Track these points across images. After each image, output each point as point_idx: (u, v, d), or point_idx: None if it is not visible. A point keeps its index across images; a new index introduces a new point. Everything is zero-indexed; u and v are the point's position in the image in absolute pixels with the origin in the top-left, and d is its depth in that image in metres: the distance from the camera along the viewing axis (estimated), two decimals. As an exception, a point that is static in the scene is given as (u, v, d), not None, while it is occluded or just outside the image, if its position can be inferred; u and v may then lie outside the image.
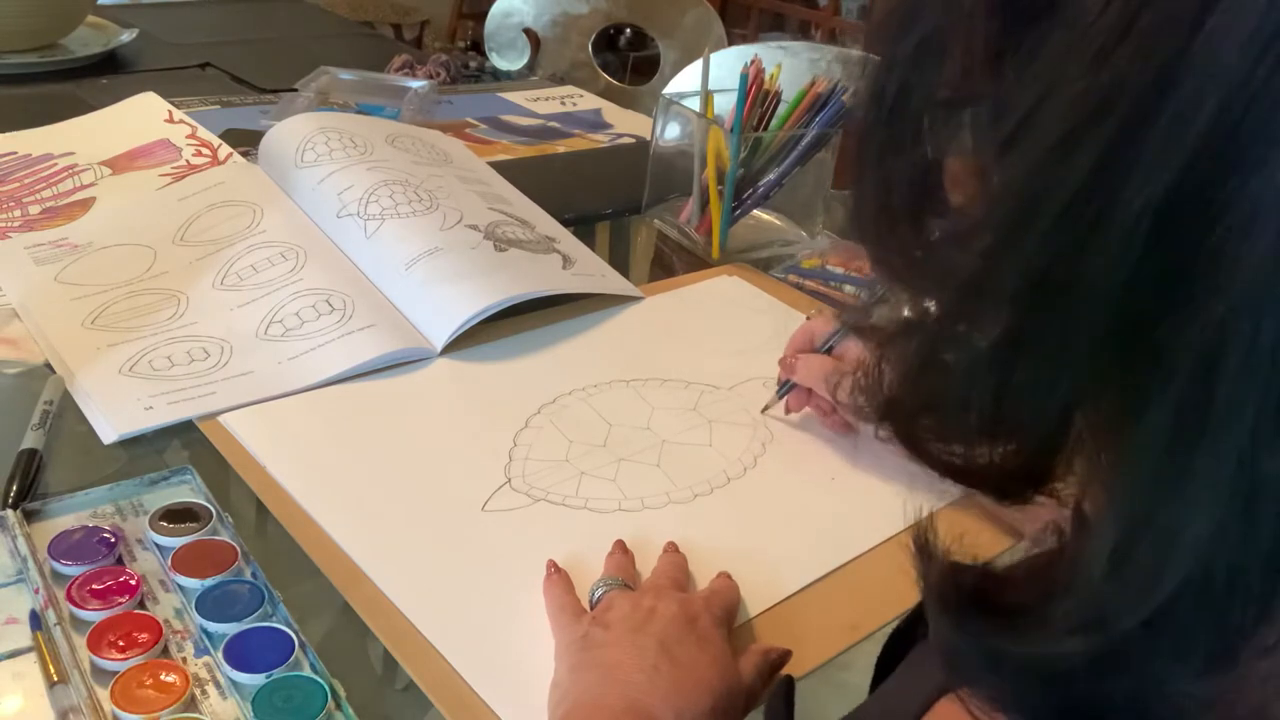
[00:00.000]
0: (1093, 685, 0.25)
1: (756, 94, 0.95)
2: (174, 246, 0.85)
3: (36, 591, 0.51)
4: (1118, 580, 0.24)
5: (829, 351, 0.69)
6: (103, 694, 0.46)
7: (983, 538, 0.63)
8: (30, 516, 0.56)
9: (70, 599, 0.51)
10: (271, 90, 1.27)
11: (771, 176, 0.97)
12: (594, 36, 1.65)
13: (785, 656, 0.51)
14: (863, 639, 0.55)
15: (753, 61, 0.95)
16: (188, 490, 0.60)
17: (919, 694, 0.34)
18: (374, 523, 0.59)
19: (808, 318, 0.86)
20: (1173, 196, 0.21)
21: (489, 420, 0.69)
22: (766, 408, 0.73)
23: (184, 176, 0.96)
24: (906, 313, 0.29)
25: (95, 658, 0.48)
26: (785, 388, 0.72)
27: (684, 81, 1.38)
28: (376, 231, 0.83)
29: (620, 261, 0.95)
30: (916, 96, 0.27)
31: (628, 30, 3.17)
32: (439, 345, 0.75)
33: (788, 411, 0.73)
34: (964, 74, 0.26)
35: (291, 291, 0.78)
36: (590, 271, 0.87)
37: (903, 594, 0.58)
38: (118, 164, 0.99)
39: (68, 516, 0.57)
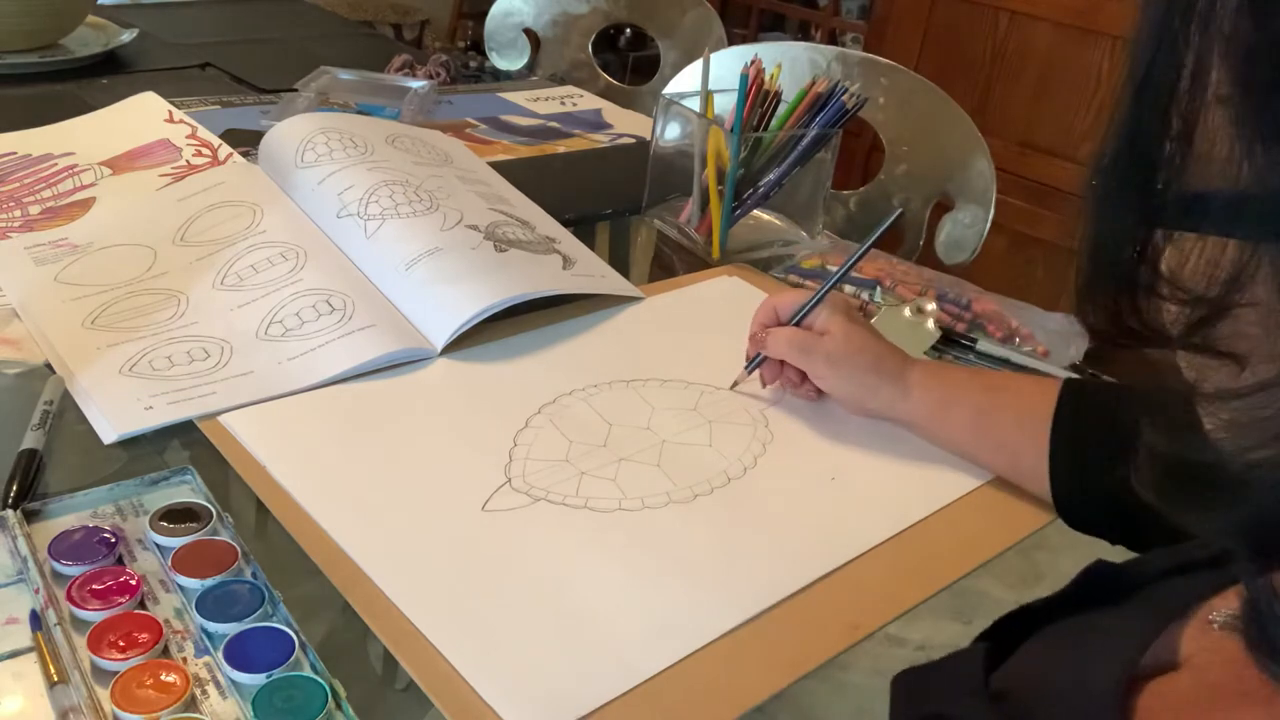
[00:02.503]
0: None
1: (756, 94, 0.95)
2: (174, 246, 0.85)
3: (37, 591, 0.51)
4: None
5: (797, 324, 0.72)
6: (103, 694, 0.46)
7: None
8: (30, 516, 0.56)
9: (70, 599, 0.51)
10: (271, 90, 1.27)
11: (771, 176, 0.97)
12: (594, 36, 1.65)
13: None
14: (863, 639, 0.55)
15: (753, 61, 0.95)
16: (188, 490, 0.60)
17: (1103, 672, 0.35)
18: (374, 523, 0.59)
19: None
20: None
21: (489, 420, 0.69)
22: (736, 383, 0.76)
23: (184, 176, 0.96)
24: None
25: (95, 658, 0.48)
26: (755, 362, 0.74)
27: (684, 81, 1.38)
28: (377, 231, 0.83)
29: (620, 261, 0.95)
30: None
31: (628, 30, 3.17)
32: (439, 345, 0.75)
33: (764, 385, 0.75)
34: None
35: (292, 291, 0.78)
36: (590, 272, 0.87)
37: (903, 594, 0.58)
38: (118, 164, 0.99)
39: (68, 516, 0.57)
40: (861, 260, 0.75)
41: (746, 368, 0.75)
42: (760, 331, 0.73)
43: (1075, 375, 0.80)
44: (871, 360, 0.69)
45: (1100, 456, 0.61)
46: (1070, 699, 0.36)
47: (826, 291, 0.72)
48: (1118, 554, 0.63)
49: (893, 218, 0.74)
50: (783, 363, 0.73)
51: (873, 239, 0.74)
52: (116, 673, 0.47)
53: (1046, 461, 0.63)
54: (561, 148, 1.21)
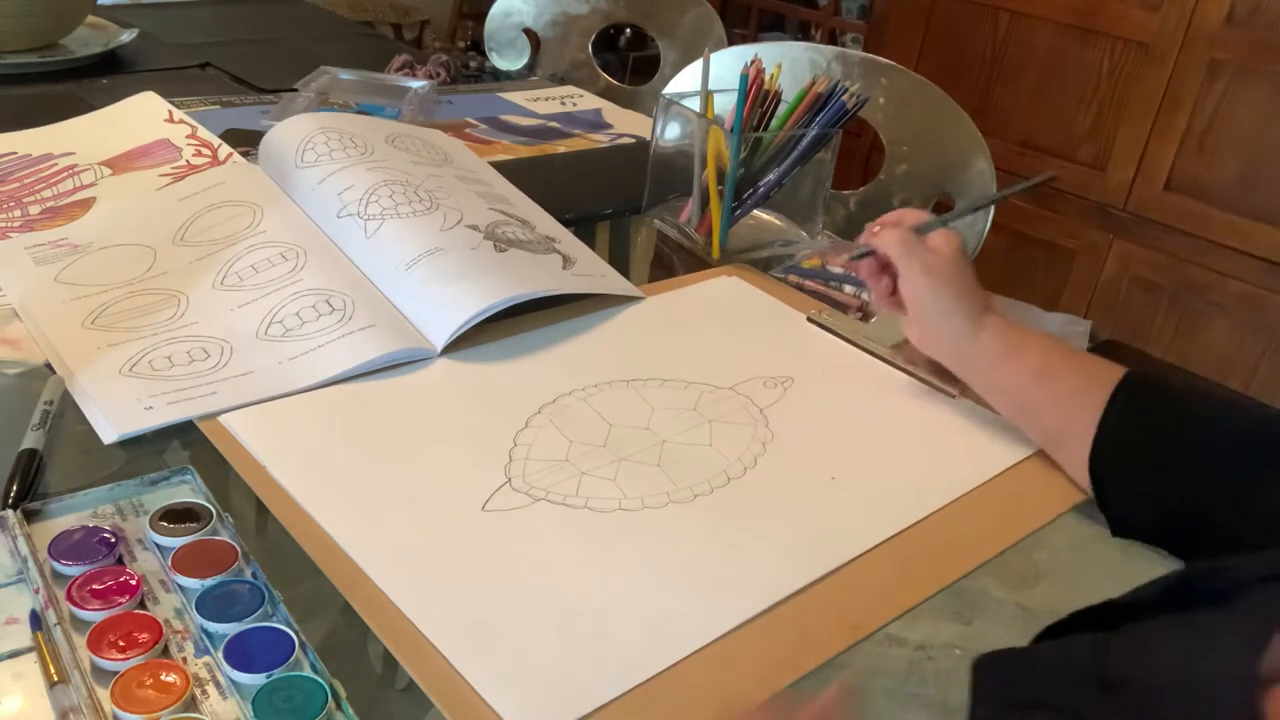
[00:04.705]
0: None
1: (756, 94, 0.95)
2: (174, 246, 0.85)
3: (37, 591, 0.51)
4: None
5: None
6: (103, 694, 0.46)
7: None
8: (30, 516, 0.56)
9: (70, 599, 0.51)
10: (271, 90, 1.27)
11: (771, 176, 0.97)
12: (594, 36, 1.65)
13: None
14: (863, 639, 0.55)
15: (753, 61, 0.95)
16: (188, 490, 0.60)
17: (1228, 670, 0.36)
18: (374, 523, 0.59)
19: (808, 318, 0.86)
20: None
21: (489, 420, 0.69)
22: (829, 262, 0.81)
23: (184, 176, 0.96)
24: None
25: (95, 658, 0.48)
26: (861, 253, 0.76)
27: (684, 81, 1.38)
28: (377, 231, 0.83)
29: (620, 261, 0.95)
30: None
31: (628, 30, 3.17)
32: (439, 345, 0.75)
33: (861, 275, 0.77)
34: None
35: (292, 291, 0.78)
36: (590, 271, 0.87)
37: (903, 594, 0.58)
38: (118, 164, 0.99)
39: (68, 516, 0.57)
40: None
41: (851, 256, 0.77)
42: (879, 227, 0.75)
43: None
44: (960, 289, 0.71)
45: (1145, 442, 0.62)
46: (1200, 694, 0.36)
47: (955, 217, 0.74)
48: (1120, 553, 0.63)
49: (1045, 177, 0.78)
50: (883, 271, 0.75)
51: (1021, 188, 0.78)
52: (116, 673, 0.47)
53: (1093, 432, 0.63)
54: (561, 148, 1.21)
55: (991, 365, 0.70)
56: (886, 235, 0.73)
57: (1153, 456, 0.62)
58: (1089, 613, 0.45)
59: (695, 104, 0.98)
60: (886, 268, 0.75)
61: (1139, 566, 0.62)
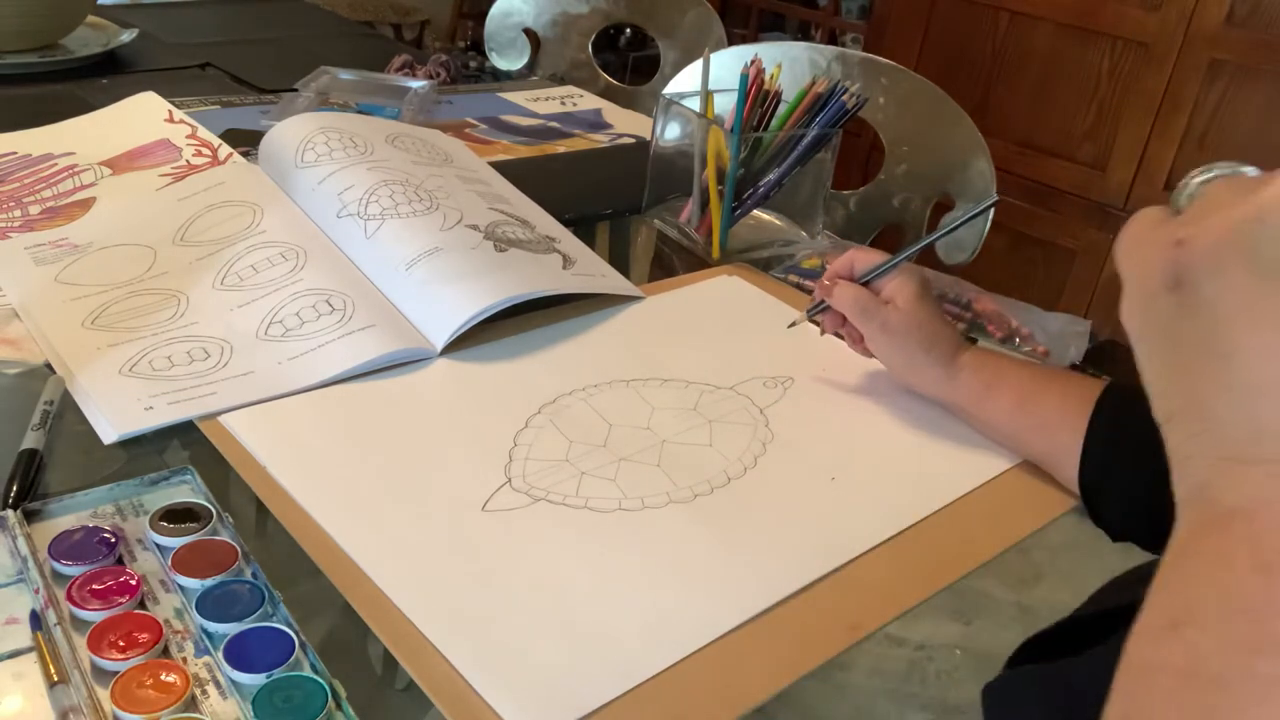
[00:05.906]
0: None
1: (756, 94, 0.95)
2: (174, 246, 0.85)
3: (37, 591, 0.51)
4: None
5: (867, 284, 0.73)
6: (103, 694, 0.46)
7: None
8: (30, 516, 0.57)
9: (70, 599, 0.51)
10: (271, 90, 1.27)
11: (771, 176, 0.97)
12: (594, 36, 1.65)
13: None
14: (863, 639, 0.55)
15: (753, 61, 0.95)
16: (188, 490, 0.60)
17: None
18: (374, 523, 0.59)
19: (808, 318, 0.86)
20: None
21: (489, 420, 0.69)
22: (794, 324, 0.79)
23: (184, 176, 0.96)
24: None
25: (95, 658, 0.48)
26: (817, 307, 0.76)
27: (684, 81, 1.38)
28: (376, 231, 0.83)
29: (620, 261, 0.95)
30: None
31: (628, 30, 3.17)
32: (439, 345, 0.75)
33: (822, 333, 0.78)
34: None
35: (291, 292, 0.78)
36: (590, 271, 0.87)
37: (903, 594, 0.58)
38: (118, 164, 0.99)
39: (68, 516, 0.57)
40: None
41: (808, 311, 0.78)
42: (830, 280, 0.75)
43: None
44: (926, 339, 0.71)
45: (1132, 451, 0.62)
46: None
47: (904, 259, 0.73)
48: (1120, 553, 0.63)
49: (991, 203, 0.79)
50: (846, 320, 0.75)
51: (965, 219, 0.78)
52: (116, 673, 0.47)
53: (1080, 449, 0.64)
54: (561, 148, 1.21)
55: (972, 404, 0.71)
56: (840, 294, 0.73)
57: (1140, 465, 0.61)
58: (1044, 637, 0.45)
59: (695, 104, 0.98)
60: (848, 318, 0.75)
61: (1139, 566, 0.62)
